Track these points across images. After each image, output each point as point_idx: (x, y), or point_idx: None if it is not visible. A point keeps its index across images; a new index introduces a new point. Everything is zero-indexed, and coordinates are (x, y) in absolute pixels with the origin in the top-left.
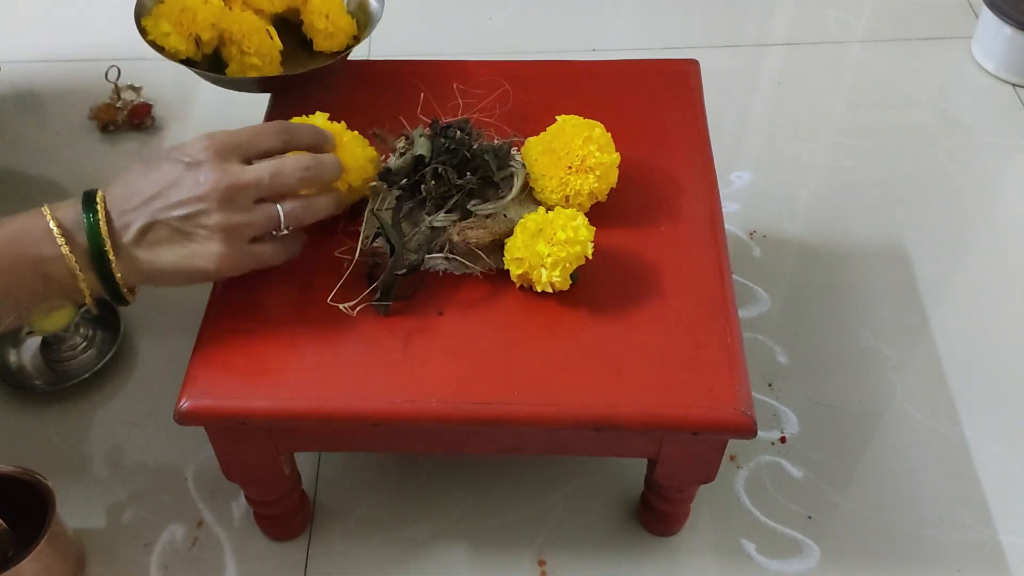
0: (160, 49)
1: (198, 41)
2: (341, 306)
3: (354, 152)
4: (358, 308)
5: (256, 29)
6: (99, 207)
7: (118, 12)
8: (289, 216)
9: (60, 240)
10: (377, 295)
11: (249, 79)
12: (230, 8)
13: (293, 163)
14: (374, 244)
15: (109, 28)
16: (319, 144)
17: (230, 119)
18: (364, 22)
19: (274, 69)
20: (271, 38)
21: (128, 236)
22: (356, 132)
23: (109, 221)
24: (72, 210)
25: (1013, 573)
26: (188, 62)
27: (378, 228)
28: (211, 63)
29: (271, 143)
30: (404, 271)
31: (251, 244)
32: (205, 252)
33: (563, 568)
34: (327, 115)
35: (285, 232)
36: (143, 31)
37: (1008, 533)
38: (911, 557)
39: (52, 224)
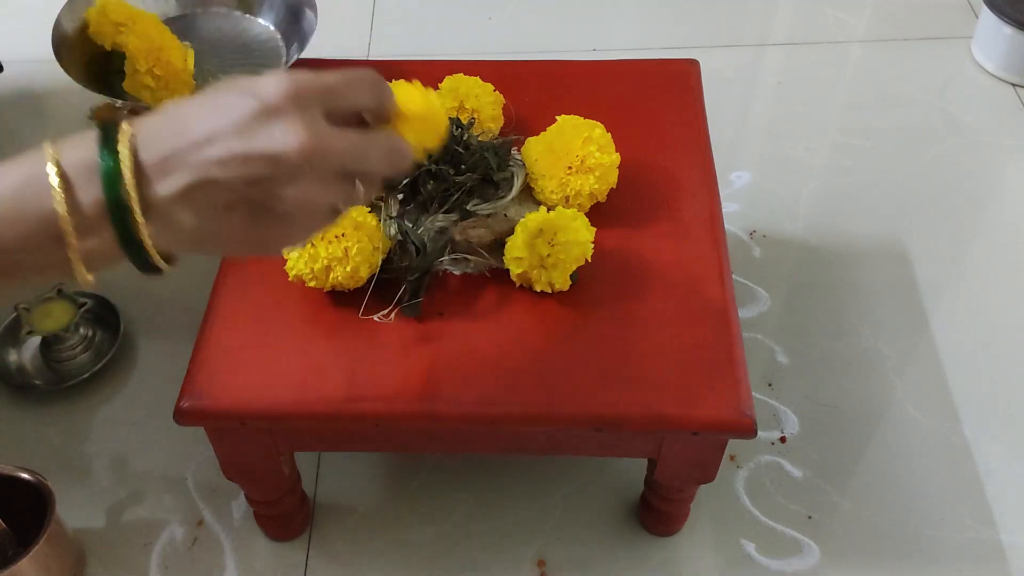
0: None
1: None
2: (375, 316)
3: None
4: (391, 315)
5: (154, 49)
6: (122, 146)
7: None
8: (364, 198)
9: (58, 192)
10: (407, 298)
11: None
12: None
13: (384, 146)
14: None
15: None
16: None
17: None
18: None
19: (177, 91)
20: (185, 61)
21: (167, 189)
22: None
23: (139, 165)
24: (86, 149)
25: (1013, 573)
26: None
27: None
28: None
29: (364, 98)
30: (422, 273)
31: None
32: (273, 229)
33: (563, 568)
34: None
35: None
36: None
37: (1008, 533)
38: (911, 557)
39: (51, 168)
